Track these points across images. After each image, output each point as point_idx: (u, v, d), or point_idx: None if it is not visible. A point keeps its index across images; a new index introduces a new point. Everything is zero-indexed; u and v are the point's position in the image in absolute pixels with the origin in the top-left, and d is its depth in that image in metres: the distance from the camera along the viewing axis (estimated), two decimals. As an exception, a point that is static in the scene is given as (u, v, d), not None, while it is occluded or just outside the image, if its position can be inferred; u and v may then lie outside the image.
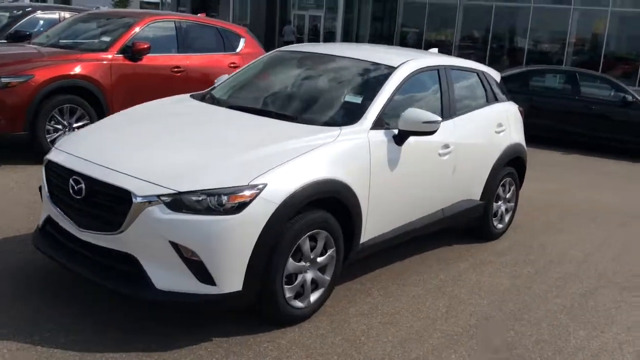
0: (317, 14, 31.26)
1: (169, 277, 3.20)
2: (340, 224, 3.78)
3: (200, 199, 3.16)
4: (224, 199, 3.17)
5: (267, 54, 5.22)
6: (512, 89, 11.53)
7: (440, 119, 4.13)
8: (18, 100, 6.42)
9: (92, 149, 3.64)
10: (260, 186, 3.25)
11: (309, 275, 3.66)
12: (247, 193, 3.21)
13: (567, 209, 6.99)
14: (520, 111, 5.84)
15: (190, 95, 4.66)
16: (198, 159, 3.43)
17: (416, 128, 4.05)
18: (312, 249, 3.63)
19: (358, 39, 32.58)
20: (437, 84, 4.74)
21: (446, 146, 4.58)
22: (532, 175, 8.60)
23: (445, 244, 5.37)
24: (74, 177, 3.41)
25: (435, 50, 5.85)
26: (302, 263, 3.59)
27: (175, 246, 3.15)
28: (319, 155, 3.62)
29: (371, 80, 4.38)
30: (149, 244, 3.18)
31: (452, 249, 5.27)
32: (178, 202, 3.15)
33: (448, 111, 4.75)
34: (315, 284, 3.73)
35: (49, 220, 3.71)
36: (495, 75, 5.67)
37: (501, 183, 5.48)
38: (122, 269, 3.31)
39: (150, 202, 3.14)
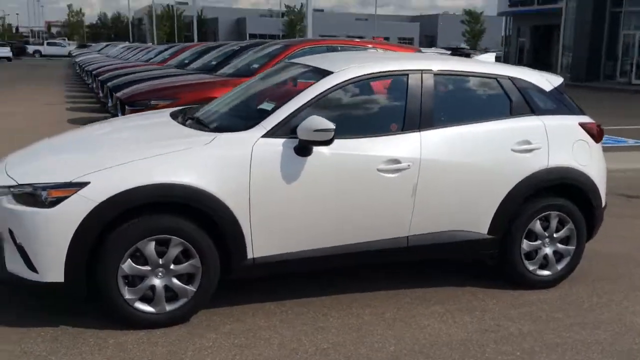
0: (651, 34, 27.46)
1: (14, 260, 3.58)
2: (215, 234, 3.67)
3: (33, 192, 3.48)
4: (45, 193, 3.44)
5: (276, 65, 5.18)
6: None
7: (333, 126, 3.61)
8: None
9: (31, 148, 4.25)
10: (82, 184, 3.42)
11: (159, 281, 3.62)
12: (63, 189, 3.42)
13: None
14: (588, 127, 4.48)
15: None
16: (66, 159, 3.78)
17: (308, 137, 3.65)
18: (163, 254, 3.60)
19: None
20: (402, 92, 4.09)
21: (395, 161, 3.92)
22: None
23: (458, 284, 4.49)
24: None
25: (492, 56, 4.96)
26: (147, 267, 3.59)
27: (11, 233, 3.53)
28: (175, 159, 3.59)
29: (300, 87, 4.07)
30: (3, 229, 3.63)
31: (455, 290, 4.39)
32: (21, 194, 3.53)
33: (416, 122, 4.04)
34: (173, 292, 3.67)
35: None
36: (542, 82, 4.46)
37: (538, 217, 4.34)
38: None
39: (3, 193, 3.60)
